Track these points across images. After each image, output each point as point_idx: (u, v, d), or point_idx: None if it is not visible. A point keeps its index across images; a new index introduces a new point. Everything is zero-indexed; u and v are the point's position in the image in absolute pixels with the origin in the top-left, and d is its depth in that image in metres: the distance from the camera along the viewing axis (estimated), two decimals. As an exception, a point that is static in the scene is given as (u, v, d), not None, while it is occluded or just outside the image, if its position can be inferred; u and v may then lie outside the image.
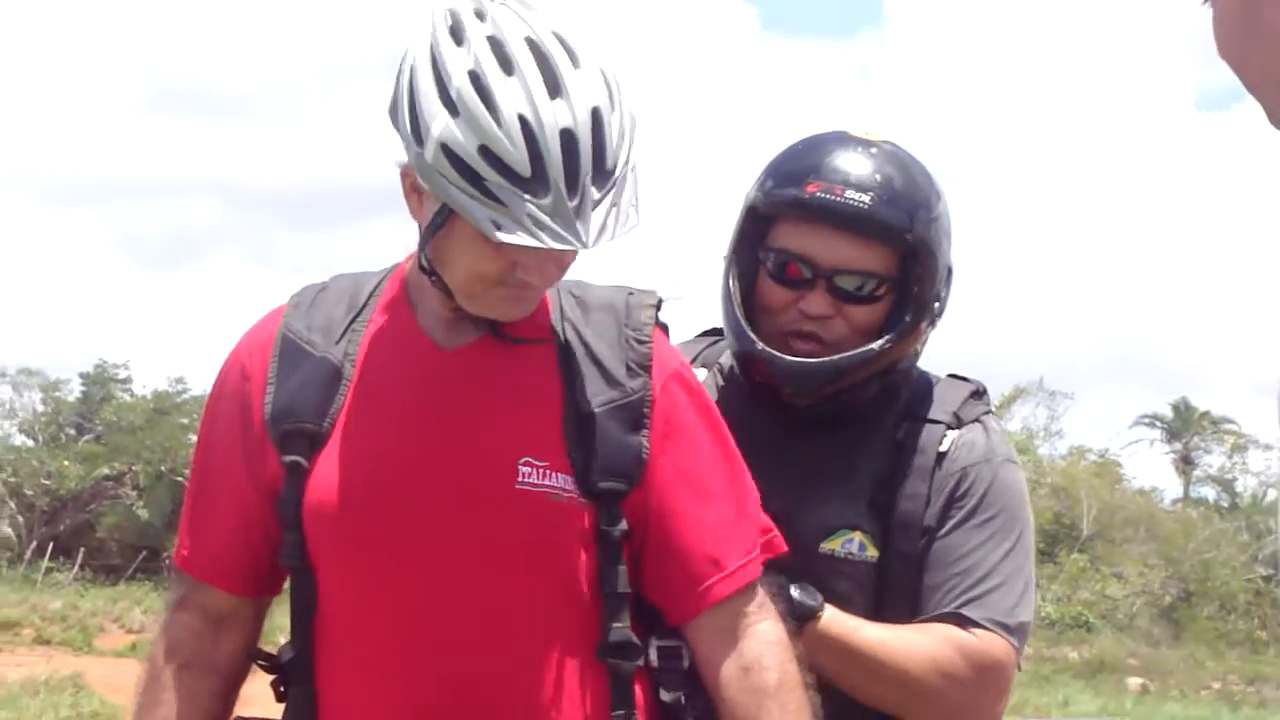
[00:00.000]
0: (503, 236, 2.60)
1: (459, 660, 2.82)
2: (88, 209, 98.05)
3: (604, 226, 2.64)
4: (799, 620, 3.03)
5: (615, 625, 2.86)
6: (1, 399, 56.78)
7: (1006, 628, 3.20)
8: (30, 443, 55.92)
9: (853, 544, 3.22)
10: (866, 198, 3.16)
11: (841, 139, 3.32)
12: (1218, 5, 2.08)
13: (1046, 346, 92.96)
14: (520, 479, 2.82)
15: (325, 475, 2.86)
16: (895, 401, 3.36)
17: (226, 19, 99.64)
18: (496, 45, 2.64)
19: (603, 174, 2.65)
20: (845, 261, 3.19)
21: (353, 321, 2.95)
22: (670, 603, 2.94)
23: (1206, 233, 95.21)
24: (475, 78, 2.61)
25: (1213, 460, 61.49)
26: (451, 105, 2.62)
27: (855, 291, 3.22)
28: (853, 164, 3.23)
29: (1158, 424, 62.05)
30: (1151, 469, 54.35)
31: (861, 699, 3.24)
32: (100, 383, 57.08)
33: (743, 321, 3.24)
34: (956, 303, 3.46)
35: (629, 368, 2.90)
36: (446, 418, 2.89)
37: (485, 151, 2.59)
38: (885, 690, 3.22)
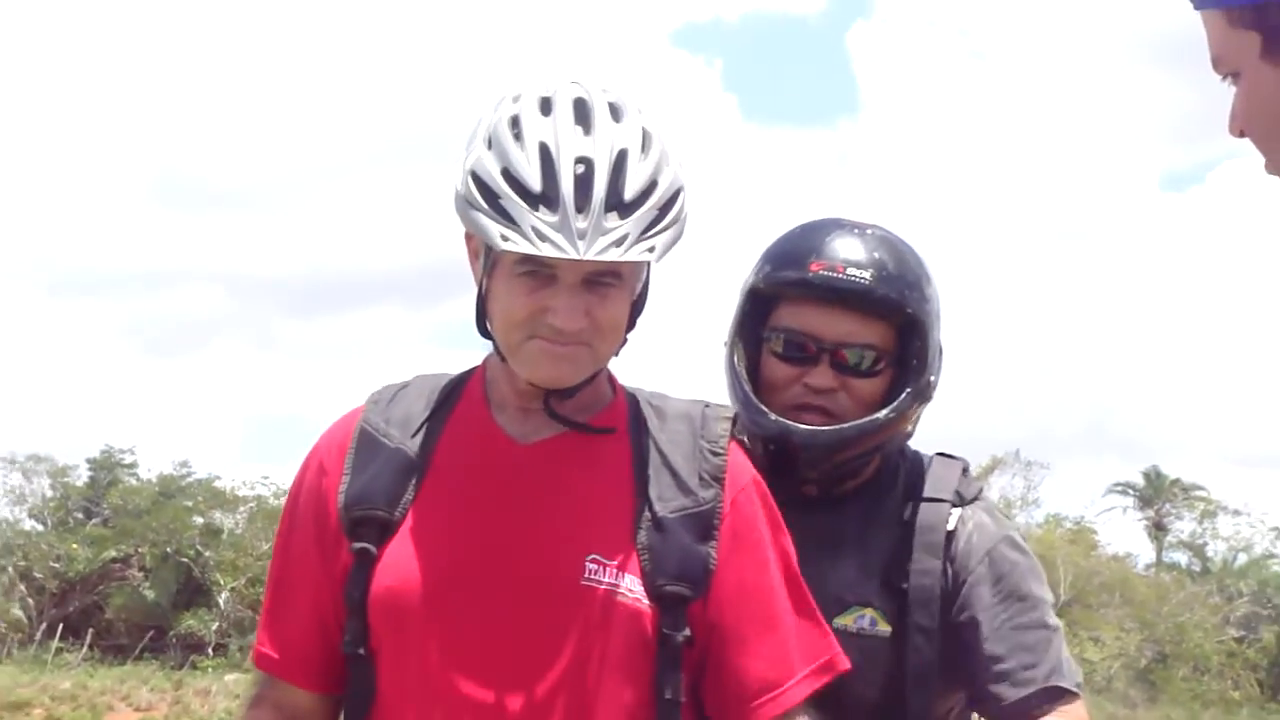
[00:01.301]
0: (505, 245, 2.52)
1: None
2: (95, 299, 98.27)
3: (607, 249, 2.49)
4: None
5: (671, 713, 2.69)
6: (11, 485, 56.36)
7: (1078, 686, 3.09)
8: (39, 527, 55.68)
9: (865, 620, 3.08)
10: (867, 275, 3.10)
11: (838, 224, 3.23)
12: (1247, 81, 2.06)
13: (1022, 419, 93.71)
14: (586, 575, 2.66)
15: (392, 563, 2.70)
16: (896, 481, 3.25)
17: (228, 116, 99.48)
18: (544, 99, 2.62)
19: (620, 206, 2.53)
20: (848, 335, 3.10)
21: (431, 416, 2.82)
22: (720, 716, 2.76)
23: (1174, 308, 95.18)
24: (515, 120, 2.58)
25: (1184, 526, 60.97)
26: (487, 142, 2.59)
27: (858, 365, 3.12)
28: (851, 246, 3.16)
29: (1130, 491, 61.11)
30: (1125, 535, 55.47)
31: None
32: (107, 468, 57.06)
33: (753, 397, 3.14)
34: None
35: (702, 477, 2.73)
36: (516, 511, 2.73)
37: (505, 173, 2.54)
38: None
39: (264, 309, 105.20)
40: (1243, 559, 58.13)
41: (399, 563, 2.72)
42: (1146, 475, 61.44)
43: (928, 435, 3.44)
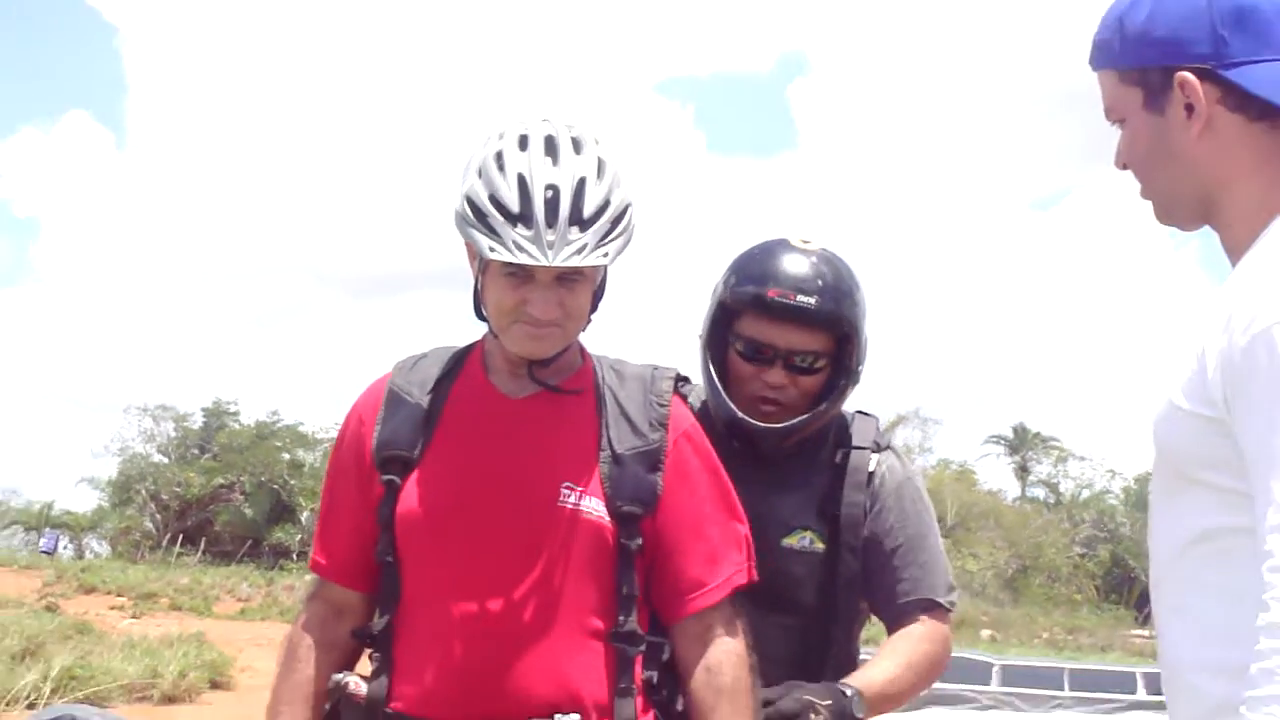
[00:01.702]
0: (492, 255, 2.76)
1: (503, 634, 2.83)
2: (214, 282, 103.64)
3: (570, 256, 2.74)
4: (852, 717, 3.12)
5: (624, 618, 2.89)
6: (144, 427, 60.24)
7: (952, 602, 3.42)
8: (165, 460, 59.45)
9: (805, 540, 3.33)
10: (813, 300, 3.27)
11: (788, 247, 3.39)
12: (1130, 126, 2.33)
13: (921, 384, 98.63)
14: (560, 498, 2.88)
15: (412, 491, 2.92)
16: (827, 434, 3.43)
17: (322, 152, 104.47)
18: (521, 137, 2.83)
19: (580, 221, 2.76)
20: (797, 344, 3.29)
21: (441, 379, 3.03)
22: (662, 607, 2.97)
23: (1039, 300, 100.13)
24: (499, 155, 2.81)
25: (1042, 469, 64.69)
26: (478, 172, 2.81)
27: (804, 366, 3.31)
28: (800, 272, 3.31)
29: (1001, 442, 64.53)
30: (997, 476, 56.95)
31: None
32: (216, 415, 61.21)
33: (724, 395, 3.33)
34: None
35: (651, 424, 2.96)
36: (506, 451, 2.93)
37: (491, 199, 2.77)
38: (920, 687, 3.43)
39: (336, 294, 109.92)
40: (1086, 494, 62.47)
41: (417, 491, 2.92)
42: (1015, 429, 64.84)
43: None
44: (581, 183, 2.79)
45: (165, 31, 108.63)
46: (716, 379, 3.37)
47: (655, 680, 2.96)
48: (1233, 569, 1.99)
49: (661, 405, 3.01)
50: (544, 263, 2.74)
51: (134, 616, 27.21)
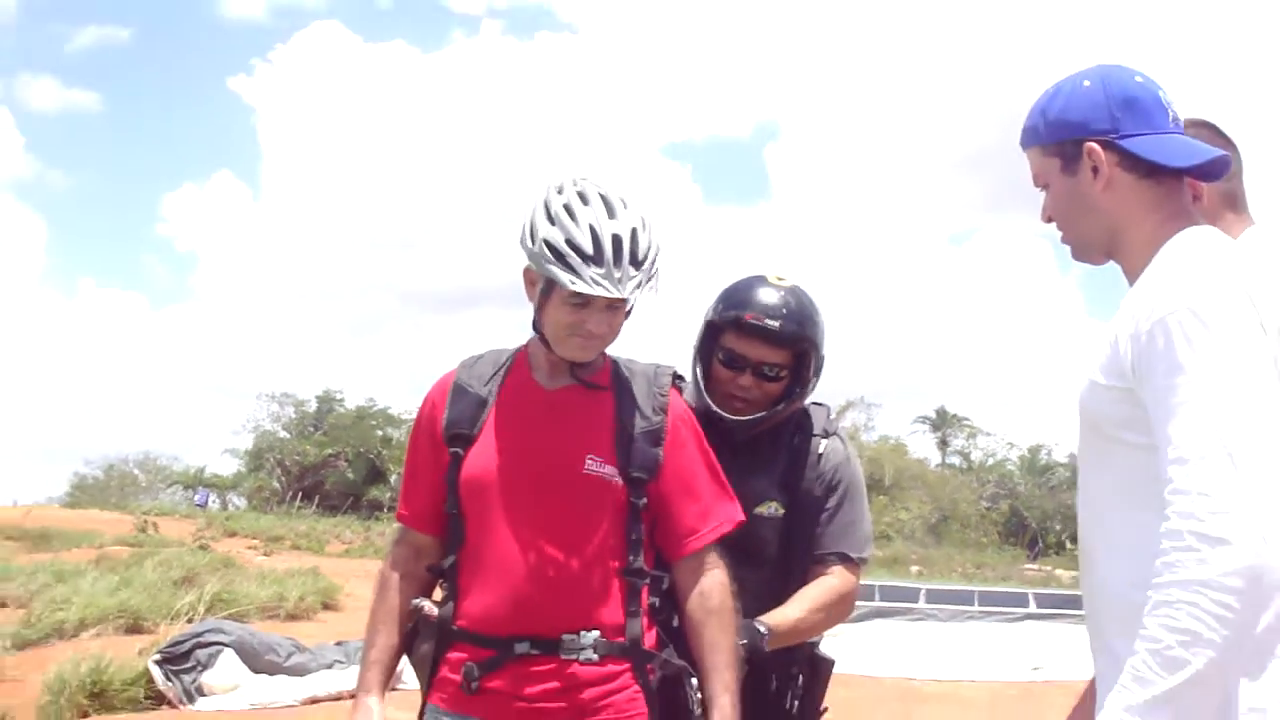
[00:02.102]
0: (573, 286, 2.74)
1: (542, 570, 2.81)
2: (324, 299, 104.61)
3: (632, 290, 2.76)
4: (756, 649, 3.08)
5: (632, 558, 2.87)
6: (272, 410, 60.57)
7: (864, 559, 3.37)
8: (287, 435, 59.69)
9: (771, 508, 3.29)
10: (778, 325, 3.22)
11: (764, 281, 3.32)
12: (1053, 188, 2.39)
13: (866, 376, 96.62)
14: (586, 467, 2.86)
15: (472, 460, 2.90)
16: (790, 423, 3.36)
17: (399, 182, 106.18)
18: (579, 193, 2.80)
19: (635, 262, 2.77)
20: (764, 358, 3.25)
21: (494, 374, 3.00)
22: (665, 548, 2.96)
23: (955, 311, 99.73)
24: (567, 207, 2.77)
25: (957, 442, 64.27)
26: (552, 220, 2.77)
27: (769, 375, 3.27)
28: (771, 300, 3.26)
29: (926, 421, 64.17)
30: (923, 447, 57.62)
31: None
32: (326, 401, 61.07)
33: (706, 396, 3.27)
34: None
35: (654, 409, 2.94)
36: (544, 430, 2.91)
37: (568, 242, 2.74)
38: (830, 622, 3.36)
39: (419, 309, 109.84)
40: (990, 461, 62.45)
41: (475, 461, 2.90)
42: (937, 411, 64.62)
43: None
44: (635, 232, 2.79)
45: (288, 111, 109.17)
46: (701, 381, 3.33)
47: (658, 604, 2.96)
48: (1152, 507, 2.04)
49: (662, 395, 3.00)
50: (615, 294, 2.77)
51: (265, 554, 27.12)
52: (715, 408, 3.27)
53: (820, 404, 3.48)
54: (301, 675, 10.30)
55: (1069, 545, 53.00)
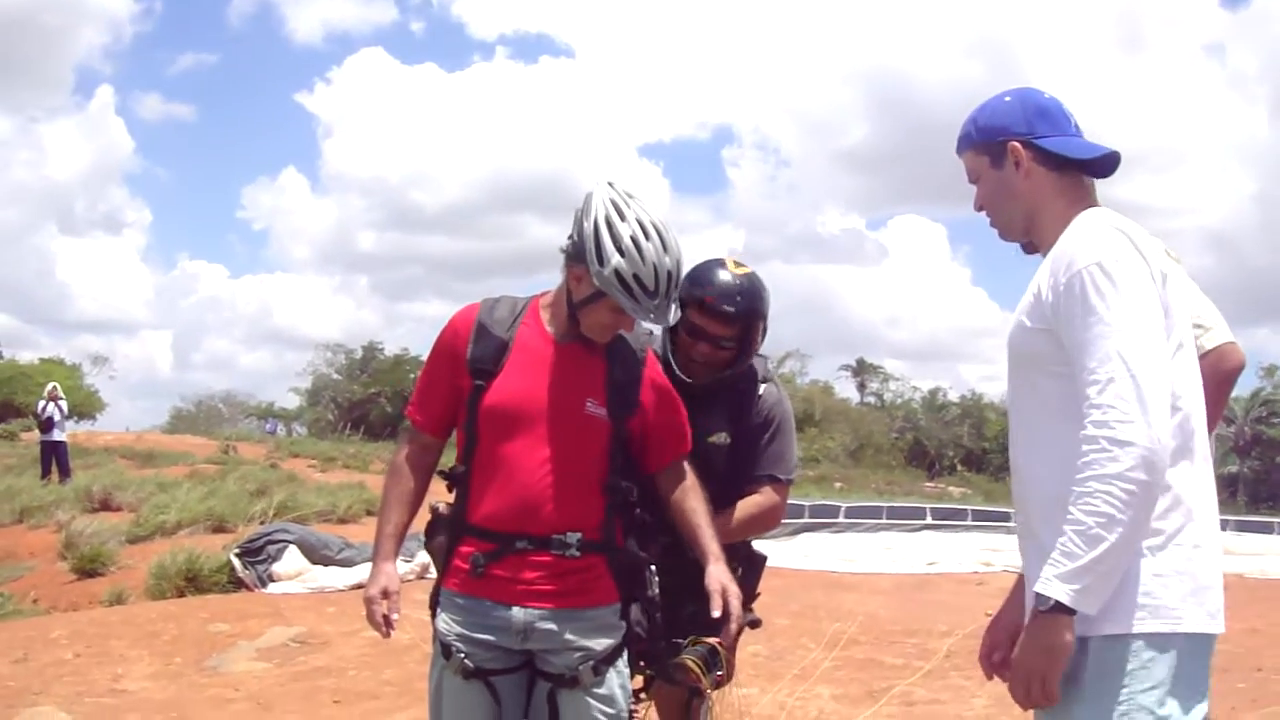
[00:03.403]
0: (634, 314, 2.75)
1: (540, 483, 2.78)
2: (366, 268, 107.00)
3: (669, 317, 2.80)
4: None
5: (614, 476, 2.85)
6: (327, 357, 60.42)
7: (790, 480, 3.36)
8: (339, 377, 59.29)
9: (721, 438, 3.27)
10: (732, 307, 3.17)
11: (723, 266, 3.25)
12: (983, 181, 2.40)
13: (801, 333, 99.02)
14: (585, 408, 2.83)
15: (493, 392, 2.83)
16: (739, 374, 3.32)
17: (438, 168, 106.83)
18: (640, 223, 2.70)
19: (676, 294, 2.79)
20: (719, 332, 3.19)
21: (513, 321, 2.90)
22: (649, 463, 2.95)
23: (873, 283, 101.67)
24: (635, 240, 2.67)
25: (873, 385, 64.73)
26: (623, 252, 2.67)
27: (722, 344, 3.22)
28: (728, 286, 3.20)
29: (849, 368, 64.77)
30: (846, 389, 58.11)
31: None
32: (370, 350, 60.62)
33: (673, 362, 3.23)
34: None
35: (635, 365, 2.91)
36: (555, 374, 2.84)
37: (635, 277, 2.68)
38: (759, 528, 3.35)
39: (440, 276, 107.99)
40: (899, 400, 62.86)
41: (496, 393, 2.83)
42: (858, 361, 65.38)
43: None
44: (679, 264, 2.78)
45: (341, 119, 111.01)
46: (668, 345, 3.33)
47: (634, 508, 2.93)
48: (1073, 420, 2.11)
49: (641, 354, 2.97)
50: (663, 324, 2.87)
51: (321, 471, 26.76)
52: (678, 372, 3.25)
53: (761, 355, 3.44)
54: (350, 566, 10.35)
55: (959, 468, 54.53)
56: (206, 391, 65.71)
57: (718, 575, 2.84)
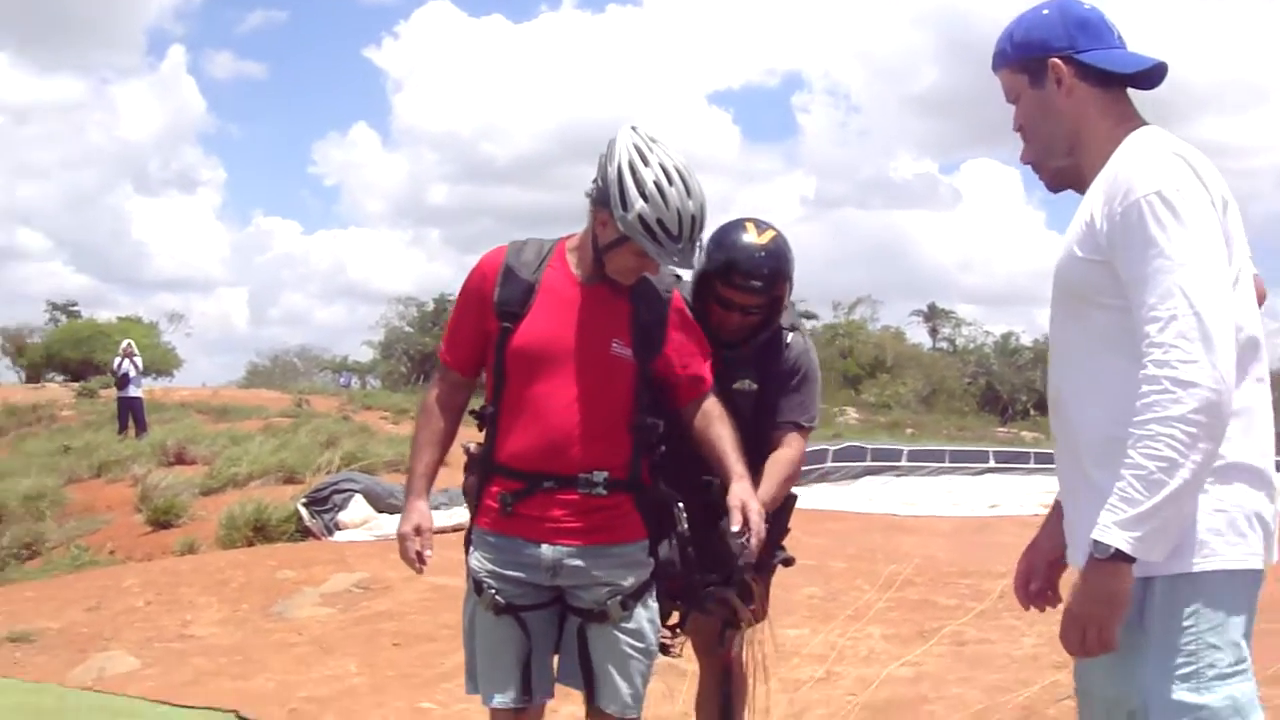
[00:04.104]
0: (661, 259, 2.76)
1: (567, 422, 2.83)
2: (433, 219, 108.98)
3: (693, 261, 2.83)
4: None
5: (640, 415, 2.88)
6: (399, 310, 60.58)
7: (812, 426, 3.39)
8: (411, 330, 59.25)
9: (746, 384, 3.30)
10: (760, 281, 3.17)
11: (744, 232, 3.24)
12: (1023, 100, 2.29)
13: (874, 279, 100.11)
14: (611, 349, 2.86)
15: (520, 334, 2.85)
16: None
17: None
18: (663, 168, 2.71)
19: (700, 238, 2.81)
20: (748, 303, 3.19)
21: (539, 264, 2.91)
22: (677, 399, 2.96)
23: (947, 229, 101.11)
24: (658, 185, 2.68)
25: (945, 331, 63.67)
26: (646, 198, 2.68)
27: (751, 312, 3.23)
28: (754, 258, 3.18)
29: (921, 313, 63.88)
30: (918, 335, 57.33)
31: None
32: (441, 302, 58.27)
33: (708, 328, 3.17)
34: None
35: (660, 306, 2.93)
36: (581, 316, 2.86)
37: (659, 222, 2.69)
38: (792, 485, 3.35)
39: (509, 228, 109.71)
40: (971, 346, 61.65)
41: (523, 335, 2.86)
42: (930, 306, 64.27)
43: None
44: (703, 209, 2.78)
45: (410, 74, 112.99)
46: (703, 320, 3.23)
47: (659, 444, 2.95)
48: (1122, 355, 2.05)
49: (667, 294, 2.97)
50: (686, 269, 2.88)
51: (393, 423, 26.90)
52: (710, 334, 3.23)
53: (789, 303, 3.43)
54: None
55: (1032, 413, 52.77)
56: (282, 347, 65.80)
57: (739, 492, 2.84)
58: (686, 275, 3.19)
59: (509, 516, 2.88)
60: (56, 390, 35.66)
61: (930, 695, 4.92)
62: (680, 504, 2.93)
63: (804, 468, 3.39)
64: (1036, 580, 2.42)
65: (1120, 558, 1.95)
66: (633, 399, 2.89)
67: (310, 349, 65.53)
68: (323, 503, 10.58)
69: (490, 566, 2.92)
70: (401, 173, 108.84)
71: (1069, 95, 2.22)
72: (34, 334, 56.92)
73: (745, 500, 2.83)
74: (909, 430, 38.75)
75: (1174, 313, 1.95)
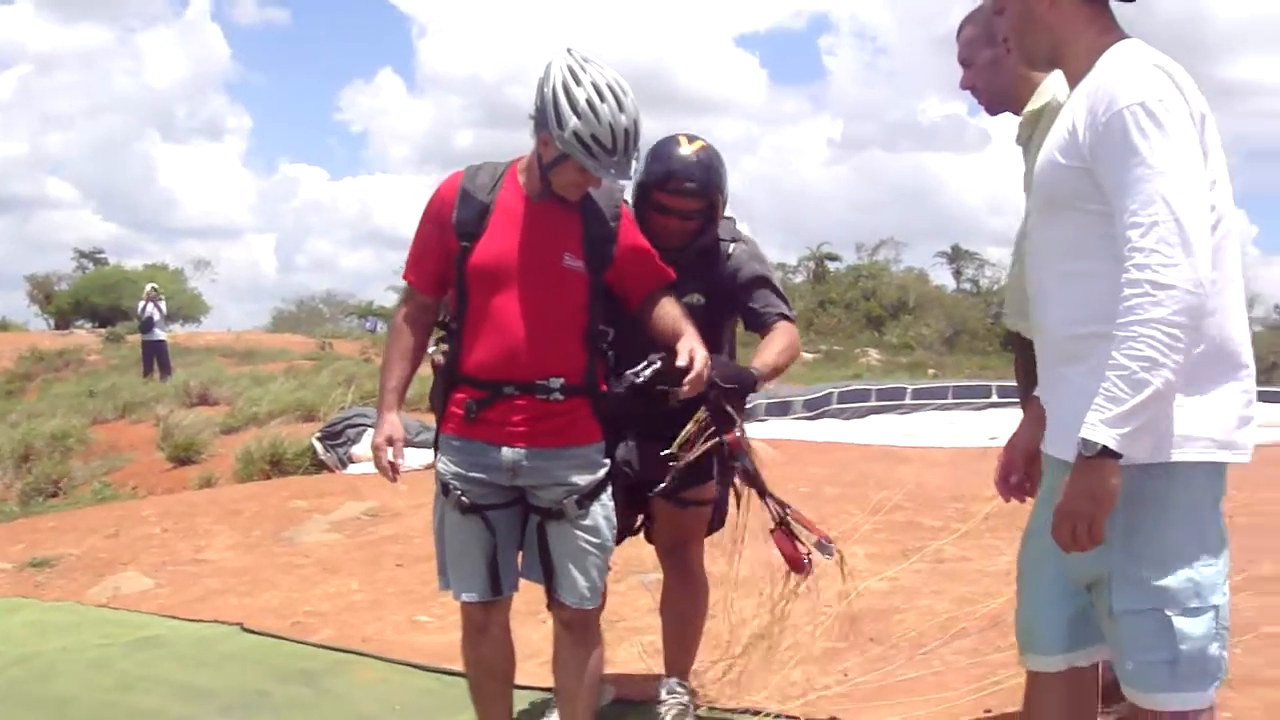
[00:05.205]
0: (597, 173, 2.84)
1: (524, 331, 2.91)
2: (445, 174, 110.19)
3: (630, 173, 2.88)
4: (752, 383, 3.25)
5: (592, 323, 2.97)
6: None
7: (793, 317, 3.48)
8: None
9: (694, 299, 3.32)
10: (695, 184, 3.30)
11: (677, 142, 3.38)
12: (1009, 10, 2.31)
13: (897, 221, 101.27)
14: (563, 261, 2.93)
15: (478, 252, 2.93)
16: (707, 240, 3.41)
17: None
18: (595, 86, 2.78)
19: (636, 150, 2.86)
20: (683, 208, 3.31)
21: (493, 186, 2.99)
22: (632, 297, 3.06)
23: (973, 173, 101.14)
24: (590, 103, 2.76)
25: (969, 272, 62.73)
26: (579, 115, 2.77)
27: (688, 218, 3.34)
28: (687, 164, 3.33)
29: (945, 255, 63.20)
30: (942, 276, 56.42)
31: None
32: None
33: (650, 236, 3.19)
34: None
35: (610, 218, 3.01)
36: (532, 232, 2.93)
37: (593, 138, 2.78)
38: (792, 359, 3.40)
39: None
40: (995, 286, 57.51)
41: (481, 253, 2.94)
42: (953, 247, 63.59)
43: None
44: (637, 124, 2.84)
45: (435, 20, 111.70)
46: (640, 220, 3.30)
47: (608, 352, 3.05)
48: (1097, 257, 2.11)
49: (615, 207, 3.06)
50: (623, 180, 2.93)
51: None
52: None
53: (728, 218, 3.52)
54: (426, 448, 10.64)
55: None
56: (308, 293, 65.94)
57: (688, 339, 2.99)
58: (627, 187, 3.26)
59: (472, 422, 2.99)
60: (84, 336, 35.93)
61: (902, 606, 5.07)
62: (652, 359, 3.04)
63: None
64: (1015, 473, 2.56)
65: (1107, 454, 2.00)
66: (586, 309, 2.98)
67: (336, 294, 65.50)
68: (336, 436, 10.80)
69: (455, 469, 3.04)
70: (427, 118, 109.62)
71: (1053, 6, 2.24)
72: (62, 281, 57.12)
73: (693, 346, 2.96)
74: (931, 371, 38.98)
75: (1155, 218, 1.99)
